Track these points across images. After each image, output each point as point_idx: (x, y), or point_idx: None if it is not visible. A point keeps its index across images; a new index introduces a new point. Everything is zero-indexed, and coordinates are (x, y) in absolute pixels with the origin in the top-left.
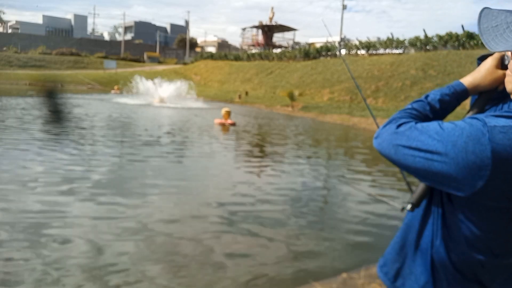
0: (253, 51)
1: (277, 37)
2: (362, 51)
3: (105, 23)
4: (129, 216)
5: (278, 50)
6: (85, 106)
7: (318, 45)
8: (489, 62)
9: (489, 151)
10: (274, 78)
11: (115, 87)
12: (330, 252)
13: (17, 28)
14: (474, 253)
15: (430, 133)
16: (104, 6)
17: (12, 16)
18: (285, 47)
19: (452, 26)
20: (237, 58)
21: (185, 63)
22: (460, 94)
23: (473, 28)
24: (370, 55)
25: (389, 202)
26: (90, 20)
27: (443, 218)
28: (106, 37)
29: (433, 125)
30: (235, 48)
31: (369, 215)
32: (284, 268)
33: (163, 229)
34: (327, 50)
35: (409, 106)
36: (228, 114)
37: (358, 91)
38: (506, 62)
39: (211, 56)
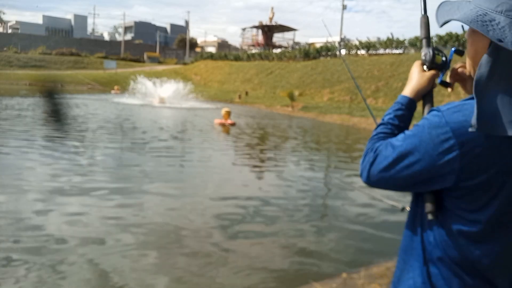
0: (253, 51)
1: (277, 37)
2: (362, 51)
3: (105, 23)
4: (129, 214)
5: (278, 50)
6: (84, 106)
7: (318, 45)
8: (415, 69)
9: (450, 131)
10: (274, 78)
11: (115, 87)
12: (330, 252)
13: (17, 28)
14: (470, 246)
15: (398, 142)
16: (104, 6)
17: (12, 16)
18: (285, 47)
19: (452, 26)
20: (237, 58)
21: (185, 63)
22: (409, 105)
23: None
24: (370, 55)
25: (390, 202)
26: (90, 20)
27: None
28: (106, 37)
29: (400, 135)
30: (235, 48)
31: (369, 215)
32: (284, 268)
33: (163, 226)
34: (327, 50)
35: (375, 133)
36: (228, 114)
37: (358, 91)
38: (427, 62)
39: (211, 56)
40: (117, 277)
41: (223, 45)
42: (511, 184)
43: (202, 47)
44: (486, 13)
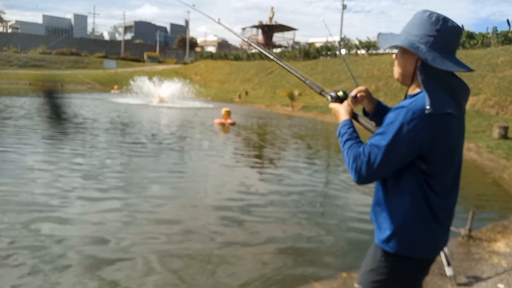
0: (253, 51)
1: (277, 37)
2: (362, 51)
3: (105, 23)
4: (128, 213)
5: (278, 50)
6: (84, 106)
7: (318, 45)
8: (335, 106)
9: (417, 116)
10: (274, 78)
11: (115, 86)
12: (330, 251)
13: (17, 28)
14: (431, 194)
15: (382, 140)
16: (104, 6)
17: (12, 16)
18: (285, 47)
19: None
20: (237, 58)
21: (185, 63)
22: (351, 122)
23: (473, 28)
24: (370, 55)
25: None
26: (90, 20)
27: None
28: (106, 37)
29: (376, 137)
30: (235, 48)
31: (369, 214)
32: (284, 267)
33: (162, 228)
34: (327, 50)
35: (349, 145)
36: (228, 114)
37: None
38: (333, 98)
39: (211, 56)
40: (115, 276)
41: (223, 45)
42: (460, 148)
43: (202, 47)
44: (414, 42)
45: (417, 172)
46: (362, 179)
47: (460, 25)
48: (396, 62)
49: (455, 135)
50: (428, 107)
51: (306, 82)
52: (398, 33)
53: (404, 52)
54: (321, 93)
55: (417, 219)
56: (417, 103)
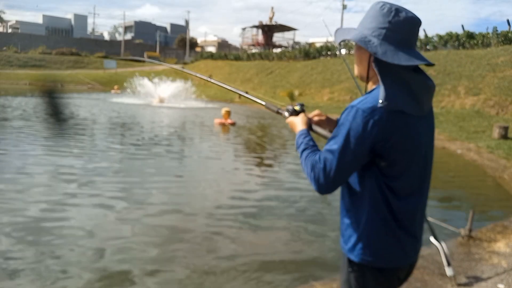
0: (253, 51)
1: (277, 37)
2: None
3: (105, 23)
4: (129, 212)
5: (278, 50)
6: (83, 106)
7: (318, 45)
8: (291, 119)
9: (367, 114)
10: (274, 78)
11: (115, 87)
12: (330, 251)
13: (17, 28)
14: (393, 199)
15: (335, 145)
16: (104, 6)
17: (12, 16)
18: (285, 47)
19: (452, 26)
20: (237, 58)
21: (185, 63)
22: (307, 132)
23: (472, 28)
24: None
25: None
26: (90, 20)
27: (376, 184)
28: (106, 37)
29: (329, 142)
30: (235, 48)
31: None
32: (284, 267)
33: (165, 222)
34: (327, 50)
35: (306, 154)
36: (228, 114)
37: (358, 91)
38: (290, 111)
39: (211, 56)
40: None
41: (223, 45)
42: (425, 148)
43: (202, 47)
44: (366, 36)
45: (377, 175)
46: (322, 188)
47: (414, 16)
48: (355, 59)
49: (414, 135)
50: (380, 101)
51: (263, 104)
52: (355, 27)
53: (359, 47)
54: (278, 111)
55: (379, 225)
56: (367, 100)
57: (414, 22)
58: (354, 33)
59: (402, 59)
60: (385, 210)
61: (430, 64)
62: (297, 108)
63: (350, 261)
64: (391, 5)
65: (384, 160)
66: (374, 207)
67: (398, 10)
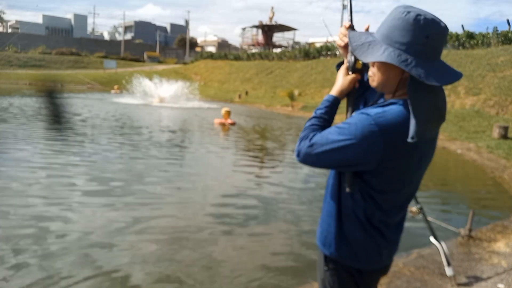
0: (253, 51)
1: (277, 37)
2: None
3: (105, 23)
4: (128, 212)
5: (278, 50)
6: (83, 106)
7: (318, 45)
8: (341, 72)
9: (378, 131)
10: (274, 78)
11: (115, 86)
12: None
13: (17, 28)
14: (373, 209)
15: (334, 135)
16: (104, 6)
17: (12, 16)
18: (285, 47)
19: (452, 26)
20: (237, 58)
21: (185, 63)
22: (334, 102)
23: (472, 28)
24: None
25: None
26: (90, 20)
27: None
28: (106, 36)
29: (333, 129)
30: (235, 48)
31: None
32: (284, 267)
33: (163, 223)
34: (327, 50)
35: (309, 123)
36: (228, 113)
37: None
38: (350, 67)
39: (211, 56)
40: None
41: (223, 44)
42: (422, 170)
43: (202, 47)
44: (406, 58)
45: (363, 185)
46: (299, 158)
47: (444, 23)
48: (374, 70)
49: (416, 161)
50: (411, 137)
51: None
52: (373, 33)
53: (386, 63)
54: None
55: (358, 228)
56: (385, 117)
57: (447, 32)
58: (384, 52)
59: (446, 79)
60: (365, 217)
61: (460, 77)
62: (359, 65)
63: (326, 260)
64: (425, 15)
65: (375, 178)
66: (355, 212)
67: (434, 21)
